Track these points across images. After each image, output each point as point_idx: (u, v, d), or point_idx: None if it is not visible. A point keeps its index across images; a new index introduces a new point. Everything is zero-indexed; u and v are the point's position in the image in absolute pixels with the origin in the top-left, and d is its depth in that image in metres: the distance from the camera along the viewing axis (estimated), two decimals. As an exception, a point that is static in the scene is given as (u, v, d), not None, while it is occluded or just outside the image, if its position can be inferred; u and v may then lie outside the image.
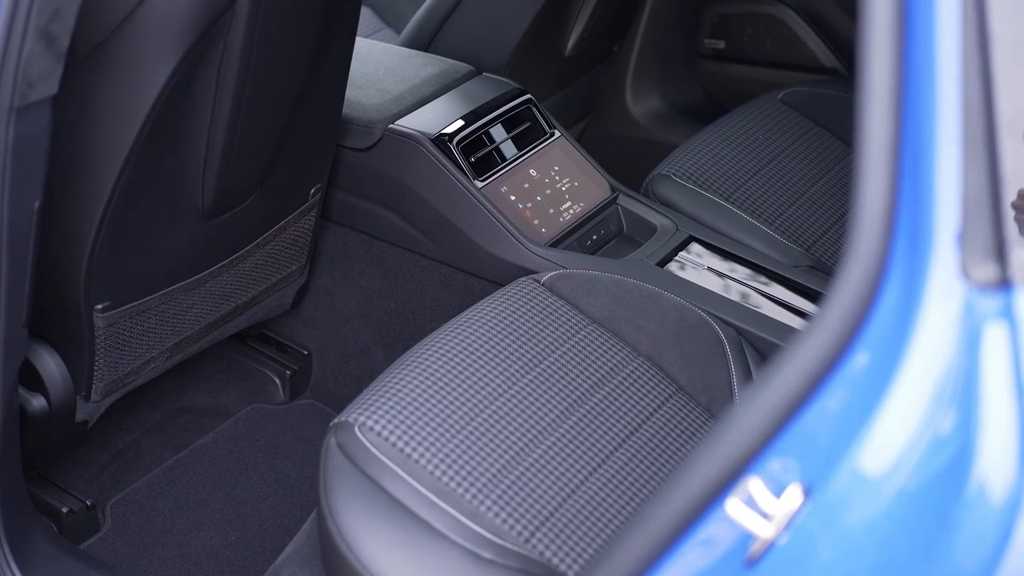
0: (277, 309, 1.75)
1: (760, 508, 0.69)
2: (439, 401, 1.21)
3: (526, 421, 1.22)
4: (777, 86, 2.05)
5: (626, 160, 2.23)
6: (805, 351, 0.71)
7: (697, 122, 2.27)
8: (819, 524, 0.68)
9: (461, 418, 1.20)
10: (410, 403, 1.20)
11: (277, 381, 1.86)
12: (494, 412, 1.22)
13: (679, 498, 0.71)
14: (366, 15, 2.51)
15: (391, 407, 1.19)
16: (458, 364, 1.25)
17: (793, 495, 0.69)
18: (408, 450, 1.16)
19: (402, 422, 1.17)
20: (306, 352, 1.88)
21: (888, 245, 0.67)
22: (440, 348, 1.27)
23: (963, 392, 0.65)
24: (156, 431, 1.77)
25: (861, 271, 0.68)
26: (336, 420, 1.20)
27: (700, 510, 0.70)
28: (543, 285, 1.39)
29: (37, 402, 1.39)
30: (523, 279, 1.40)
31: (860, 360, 0.68)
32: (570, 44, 2.06)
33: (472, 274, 1.63)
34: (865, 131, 0.68)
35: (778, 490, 0.69)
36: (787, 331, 1.44)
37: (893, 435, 0.66)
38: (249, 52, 1.23)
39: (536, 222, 1.61)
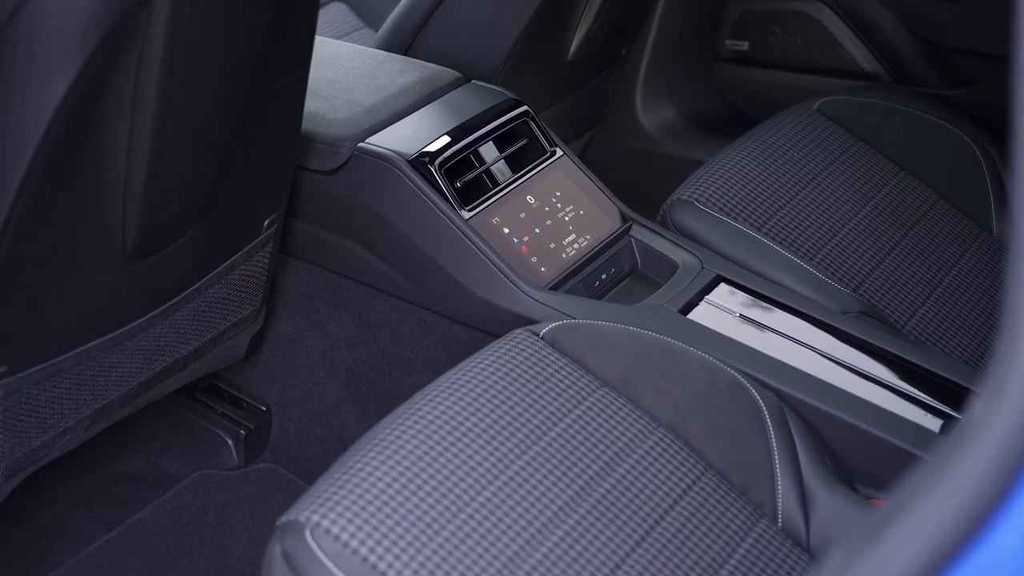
0: (228, 359, 1.65)
1: None
2: (415, 491, 1.08)
3: (525, 514, 1.10)
4: (808, 93, 1.98)
5: (636, 179, 2.19)
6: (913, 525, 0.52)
7: (715, 134, 2.24)
8: None
9: (443, 512, 1.07)
10: (378, 495, 1.07)
11: (230, 442, 1.77)
12: (485, 503, 1.10)
13: None
14: (341, 12, 2.46)
15: (353, 502, 1.06)
16: (439, 442, 1.13)
17: None
18: (373, 559, 1.02)
19: (367, 521, 1.04)
20: (264, 408, 1.80)
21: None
22: (417, 422, 1.15)
23: None
24: (85, 504, 1.66)
25: (1012, 417, 0.49)
26: (283, 519, 1.06)
27: None
28: (542, 339, 1.30)
29: (-75, 485, 1.27)
30: (518, 331, 1.31)
31: (1008, 543, 0.50)
32: (573, 47, 1.99)
33: (457, 321, 1.54)
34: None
35: None
36: (838, 395, 1.32)
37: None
38: (172, 58, 1.09)
39: (534, 260, 1.51)
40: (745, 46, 2.28)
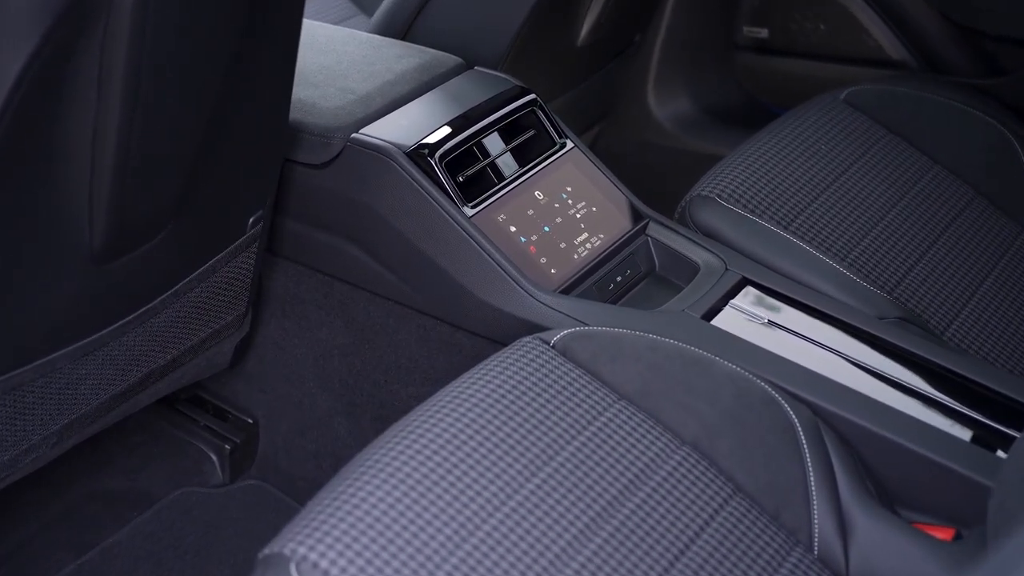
0: (211, 369, 1.62)
1: None
2: (414, 519, 1.04)
3: (536, 543, 1.06)
4: (832, 83, 1.97)
5: (648, 174, 2.18)
6: None
7: (733, 127, 2.26)
8: None
9: (445, 543, 1.03)
10: (372, 524, 1.02)
11: (214, 457, 1.76)
12: (492, 531, 1.06)
13: None
14: (336, -2, 2.52)
15: (344, 531, 1.01)
16: (440, 463, 1.09)
17: None
18: (366, 596, 0.98)
19: (359, 554, 0.99)
20: (251, 420, 1.79)
21: None
22: (415, 441, 1.11)
23: None
24: (57, 525, 1.65)
25: None
26: (266, 551, 1.02)
27: None
28: (553, 347, 1.27)
29: None
30: (527, 339, 1.28)
31: None
32: (583, 32, 1.97)
33: (460, 328, 1.52)
34: None
35: None
36: (879, 410, 1.28)
37: None
38: (142, 36, 1.04)
39: (543, 261, 1.49)
40: (764, 33, 2.28)
